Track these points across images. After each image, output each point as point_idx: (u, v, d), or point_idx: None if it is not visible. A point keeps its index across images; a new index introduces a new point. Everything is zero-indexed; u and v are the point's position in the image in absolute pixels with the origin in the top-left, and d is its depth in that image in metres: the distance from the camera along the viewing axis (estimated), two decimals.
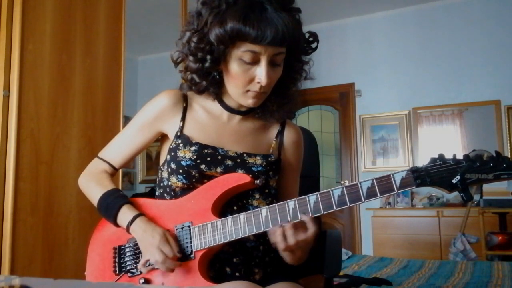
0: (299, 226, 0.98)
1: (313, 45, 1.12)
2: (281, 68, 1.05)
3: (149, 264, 1.02)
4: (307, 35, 1.10)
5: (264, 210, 1.00)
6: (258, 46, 0.98)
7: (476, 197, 3.85)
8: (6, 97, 1.71)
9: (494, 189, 3.91)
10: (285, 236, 0.97)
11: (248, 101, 1.07)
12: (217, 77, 1.08)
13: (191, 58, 1.06)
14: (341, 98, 5.11)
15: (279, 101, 1.13)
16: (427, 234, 4.21)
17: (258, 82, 1.02)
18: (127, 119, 1.68)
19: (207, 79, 1.08)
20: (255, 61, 1.00)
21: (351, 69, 5.04)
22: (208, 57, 1.04)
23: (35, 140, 1.79)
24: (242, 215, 1.01)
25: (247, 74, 1.02)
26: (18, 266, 1.67)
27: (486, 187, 3.88)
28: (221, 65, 1.05)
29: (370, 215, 4.56)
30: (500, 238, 3.63)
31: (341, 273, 2.33)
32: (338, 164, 5.12)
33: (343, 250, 2.99)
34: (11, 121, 1.71)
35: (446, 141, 4.59)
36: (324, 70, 4.90)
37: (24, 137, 1.74)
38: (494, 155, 0.93)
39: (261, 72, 1.01)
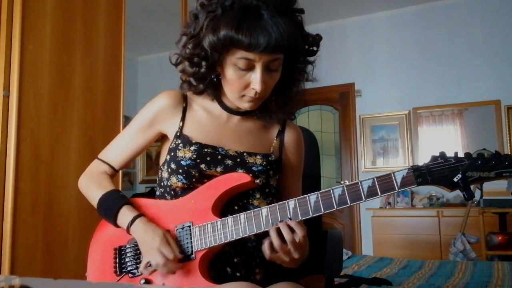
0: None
1: (314, 49, 1.10)
2: (278, 73, 1.05)
3: (150, 266, 1.02)
4: (310, 39, 1.08)
5: (264, 210, 1.00)
6: (252, 54, 0.97)
7: (476, 196, 3.85)
8: (6, 97, 1.71)
9: (494, 189, 3.91)
10: (281, 234, 0.96)
11: (245, 105, 1.07)
12: (215, 79, 1.09)
13: (187, 63, 1.07)
14: (341, 98, 5.11)
15: (279, 102, 1.13)
16: (427, 234, 4.21)
17: (253, 88, 1.02)
18: (127, 119, 1.68)
19: (204, 82, 1.08)
20: (249, 68, 1.00)
21: (351, 69, 5.04)
22: (203, 63, 1.04)
23: (35, 140, 1.79)
24: (242, 215, 1.01)
25: (242, 80, 1.02)
26: (18, 266, 1.67)
27: (486, 187, 3.89)
28: (217, 68, 1.06)
29: (370, 215, 4.55)
30: (500, 238, 3.63)
31: (341, 273, 2.32)
32: (338, 164, 5.12)
33: (343, 250, 2.99)
34: (11, 121, 1.71)
35: (446, 141, 4.59)
36: (324, 70, 4.89)
37: (24, 137, 1.74)
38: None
39: (255, 79, 1.00)
